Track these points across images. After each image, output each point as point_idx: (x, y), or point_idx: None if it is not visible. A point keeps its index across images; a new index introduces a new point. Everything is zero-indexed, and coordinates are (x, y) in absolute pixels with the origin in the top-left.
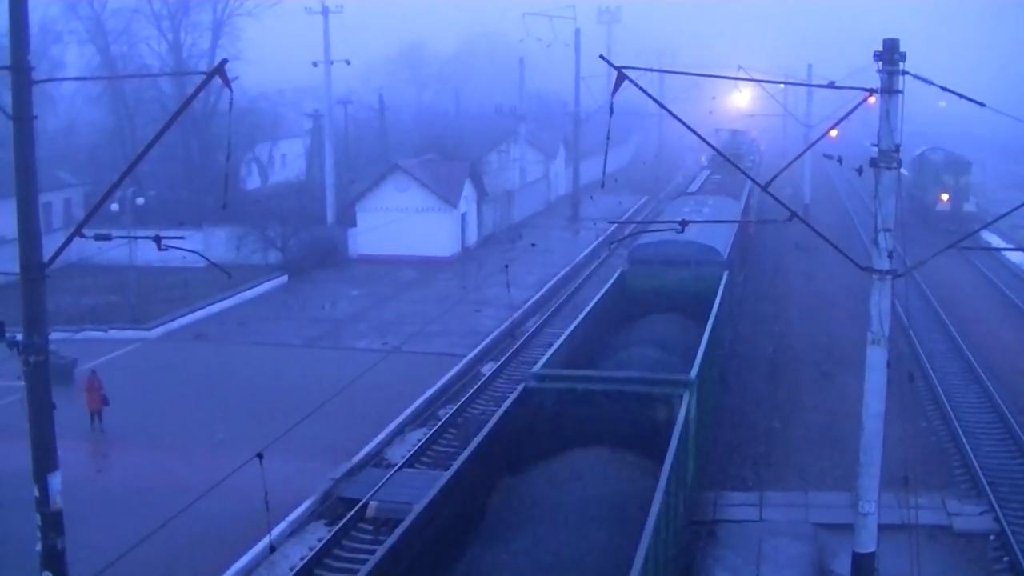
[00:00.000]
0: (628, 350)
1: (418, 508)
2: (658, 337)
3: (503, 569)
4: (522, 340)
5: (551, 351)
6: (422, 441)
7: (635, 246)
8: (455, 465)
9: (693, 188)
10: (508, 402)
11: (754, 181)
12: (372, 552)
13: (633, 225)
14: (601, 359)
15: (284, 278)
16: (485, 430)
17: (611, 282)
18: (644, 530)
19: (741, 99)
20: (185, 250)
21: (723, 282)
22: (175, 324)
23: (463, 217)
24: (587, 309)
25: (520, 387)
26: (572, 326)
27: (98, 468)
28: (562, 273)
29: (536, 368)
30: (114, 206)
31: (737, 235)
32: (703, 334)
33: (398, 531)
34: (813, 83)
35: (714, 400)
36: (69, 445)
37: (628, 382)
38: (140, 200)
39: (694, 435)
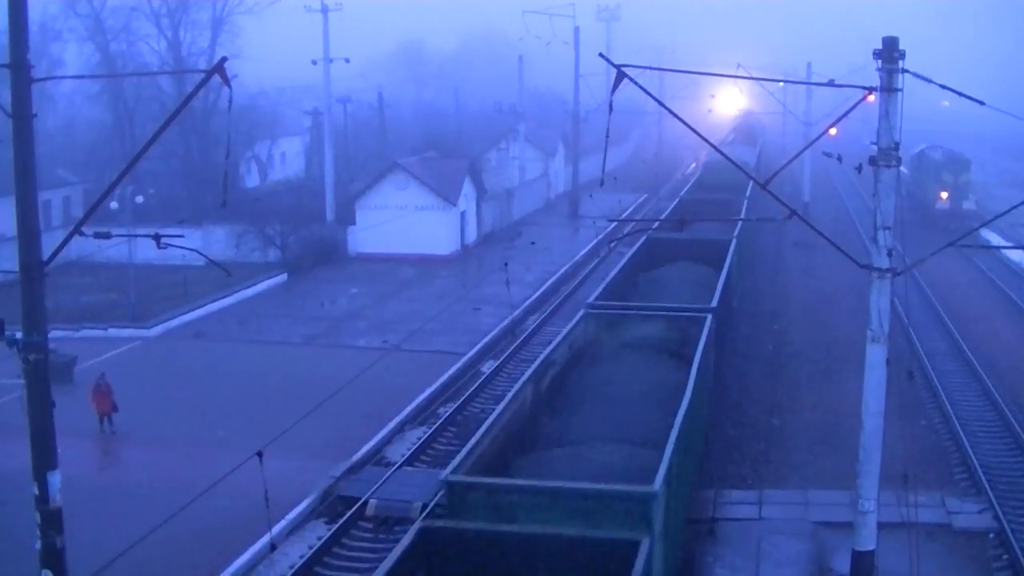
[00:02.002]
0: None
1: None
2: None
3: None
4: (522, 338)
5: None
6: (422, 439)
7: (706, 162)
8: None
9: (728, 139)
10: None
11: (754, 180)
12: (372, 551)
13: (632, 223)
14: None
15: (283, 276)
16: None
17: (696, 177)
18: None
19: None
20: (184, 248)
21: (751, 185)
22: (174, 322)
23: (462, 215)
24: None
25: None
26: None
27: (99, 466)
28: (561, 271)
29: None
30: (113, 204)
31: (757, 160)
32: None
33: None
34: (812, 81)
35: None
36: (70, 442)
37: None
38: (139, 198)
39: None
